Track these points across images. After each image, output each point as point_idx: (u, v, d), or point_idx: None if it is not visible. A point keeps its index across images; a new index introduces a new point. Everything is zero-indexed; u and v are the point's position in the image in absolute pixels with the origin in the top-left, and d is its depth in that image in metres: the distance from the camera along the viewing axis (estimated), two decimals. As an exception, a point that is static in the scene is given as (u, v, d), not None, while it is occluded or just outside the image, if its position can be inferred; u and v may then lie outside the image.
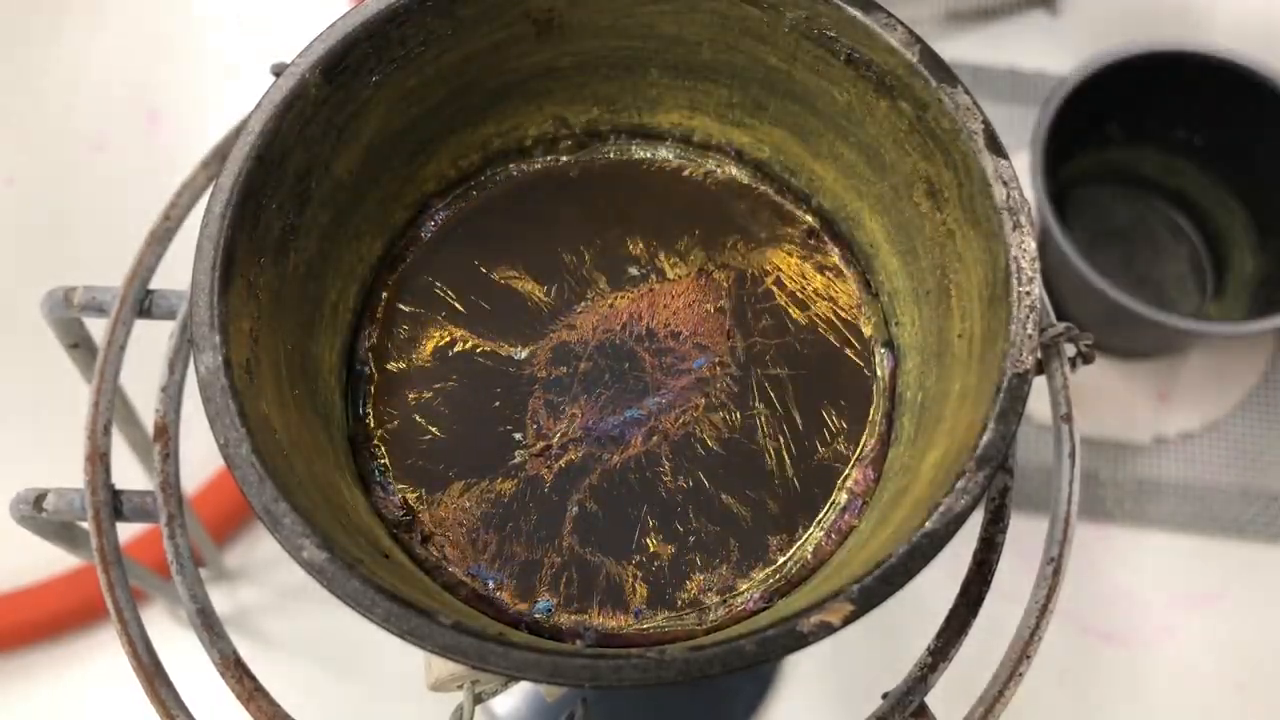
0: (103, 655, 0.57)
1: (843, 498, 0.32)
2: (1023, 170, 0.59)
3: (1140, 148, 0.66)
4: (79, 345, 0.38)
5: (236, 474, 0.25)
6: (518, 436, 0.32)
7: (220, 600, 0.58)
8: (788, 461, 0.32)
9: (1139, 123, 0.65)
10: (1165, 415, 0.63)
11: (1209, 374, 0.64)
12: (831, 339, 0.34)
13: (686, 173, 0.36)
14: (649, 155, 0.37)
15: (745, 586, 0.30)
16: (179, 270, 0.32)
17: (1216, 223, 0.66)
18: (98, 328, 0.35)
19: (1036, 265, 0.27)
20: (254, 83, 0.38)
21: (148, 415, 0.35)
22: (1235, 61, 0.60)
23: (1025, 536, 0.40)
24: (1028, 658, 0.30)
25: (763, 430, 0.32)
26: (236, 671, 0.29)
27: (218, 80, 0.72)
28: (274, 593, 0.59)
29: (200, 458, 0.57)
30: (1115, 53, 0.61)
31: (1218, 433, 0.63)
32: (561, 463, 0.32)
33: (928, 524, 0.25)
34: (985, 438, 0.26)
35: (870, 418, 0.33)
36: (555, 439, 0.32)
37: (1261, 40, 0.71)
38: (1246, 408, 0.64)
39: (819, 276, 0.35)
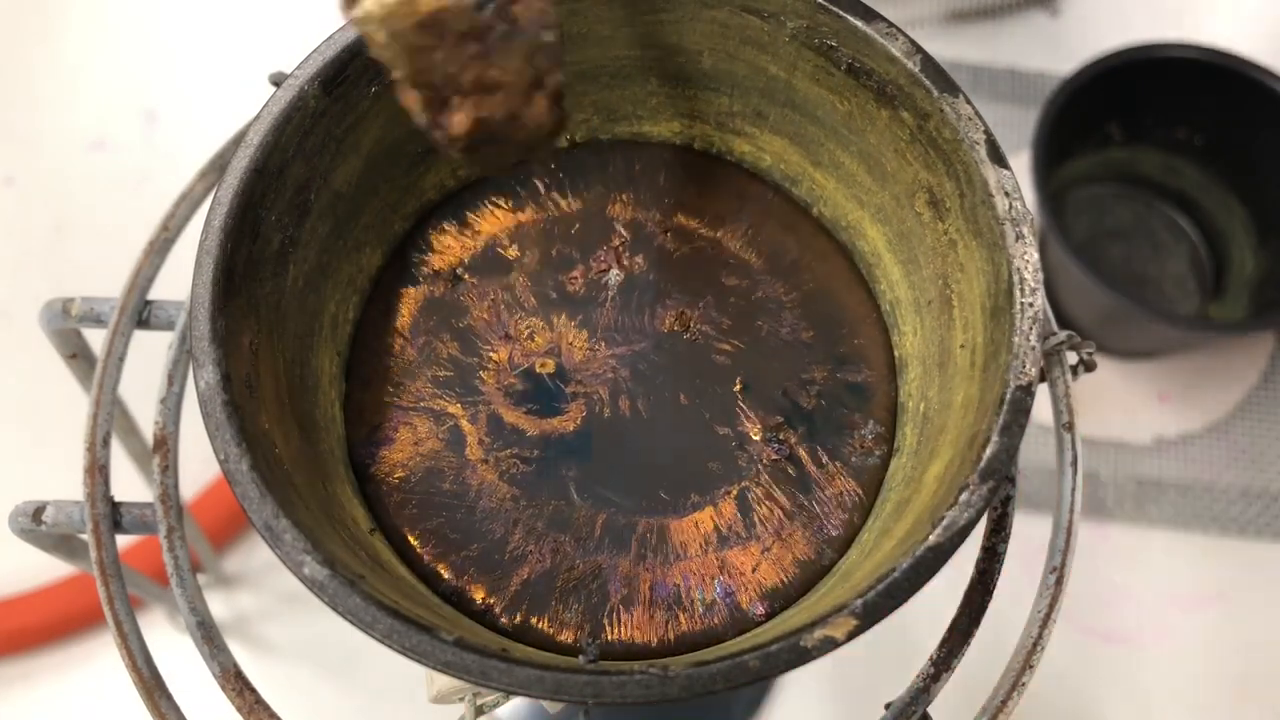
0: (103, 660, 0.57)
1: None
2: (1022, 170, 0.58)
3: (1140, 148, 0.66)
4: (77, 356, 0.37)
5: (237, 490, 0.25)
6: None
7: (219, 607, 0.58)
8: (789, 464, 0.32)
9: (1139, 123, 0.65)
10: (1165, 415, 0.63)
11: (1209, 374, 0.64)
12: (832, 342, 0.34)
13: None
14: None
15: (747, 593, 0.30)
16: (177, 278, 0.31)
17: (1216, 223, 0.66)
18: (96, 338, 0.35)
19: (1039, 276, 0.27)
20: (253, 84, 0.38)
21: (146, 425, 0.34)
22: (1235, 61, 0.60)
23: (1027, 537, 0.40)
24: (1030, 667, 0.30)
25: (763, 435, 0.32)
26: (237, 684, 0.29)
27: (216, 81, 0.72)
28: (273, 599, 0.59)
29: (199, 463, 0.57)
30: (1115, 53, 0.60)
31: (1218, 433, 0.63)
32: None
33: (931, 537, 0.25)
34: (989, 450, 0.26)
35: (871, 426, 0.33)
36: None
37: (1262, 40, 0.71)
38: (1246, 408, 0.64)
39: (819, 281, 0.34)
